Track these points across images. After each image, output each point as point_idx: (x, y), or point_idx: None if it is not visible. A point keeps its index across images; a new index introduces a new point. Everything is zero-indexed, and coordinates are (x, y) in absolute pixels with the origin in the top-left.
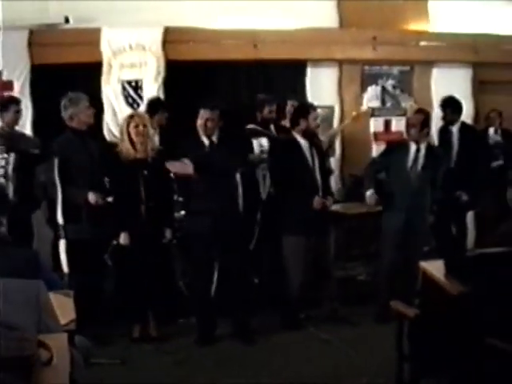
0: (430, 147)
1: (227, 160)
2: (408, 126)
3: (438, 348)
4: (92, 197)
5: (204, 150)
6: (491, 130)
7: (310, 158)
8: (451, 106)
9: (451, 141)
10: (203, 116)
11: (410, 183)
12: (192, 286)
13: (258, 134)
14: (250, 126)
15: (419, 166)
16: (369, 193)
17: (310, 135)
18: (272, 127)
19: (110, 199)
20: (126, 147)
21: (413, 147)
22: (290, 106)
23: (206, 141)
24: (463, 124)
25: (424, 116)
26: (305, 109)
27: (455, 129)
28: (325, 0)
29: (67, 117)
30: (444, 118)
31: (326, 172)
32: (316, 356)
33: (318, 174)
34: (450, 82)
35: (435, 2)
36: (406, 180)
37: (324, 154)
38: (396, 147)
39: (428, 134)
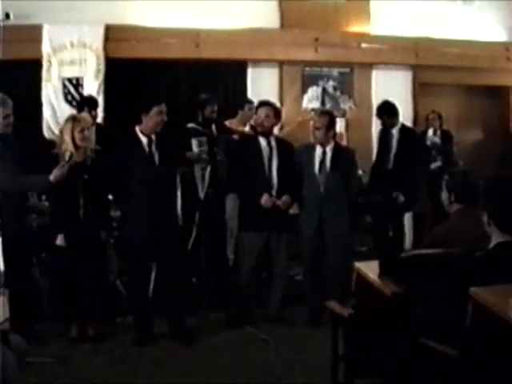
0: (338, 149)
1: (166, 159)
2: (313, 128)
3: (372, 348)
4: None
5: (143, 149)
6: (430, 132)
7: (266, 157)
8: (386, 111)
9: (391, 142)
10: (157, 111)
11: (319, 187)
12: (129, 285)
13: (198, 134)
14: (191, 125)
15: (327, 169)
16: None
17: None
18: (213, 127)
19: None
20: (69, 150)
21: (319, 150)
22: (247, 109)
23: (144, 139)
24: (403, 126)
25: (329, 118)
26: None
27: (395, 131)
28: (266, 0)
29: None
30: (383, 124)
31: (289, 171)
32: (254, 356)
33: (275, 173)
34: (390, 84)
35: (377, 3)
36: (315, 183)
37: (289, 153)
38: (303, 151)
39: (334, 136)
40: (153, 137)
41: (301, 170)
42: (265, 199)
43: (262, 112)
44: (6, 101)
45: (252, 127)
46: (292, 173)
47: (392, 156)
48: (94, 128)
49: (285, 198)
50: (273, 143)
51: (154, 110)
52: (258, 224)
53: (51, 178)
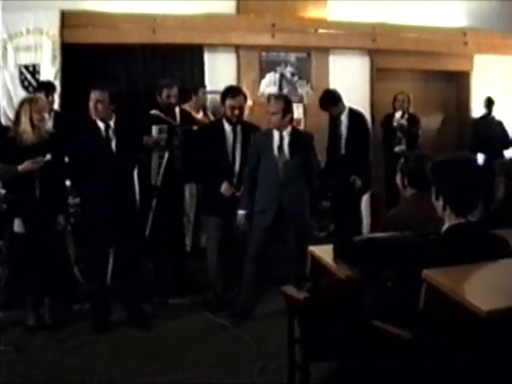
0: (296, 134)
1: (124, 145)
2: (269, 113)
3: (327, 331)
4: None
5: (100, 135)
6: (398, 114)
7: (231, 144)
8: (329, 101)
9: (340, 128)
10: (93, 97)
11: (278, 172)
12: (87, 272)
13: (159, 121)
14: (153, 112)
15: (286, 155)
16: (241, 212)
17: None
18: (177, 111)
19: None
20: (25, 132)
21: (276, 135)
22: (200, 93)
23: (101, 125)
24: (350, 111)
25: (285, 103)
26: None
27: (343, 117)
28: None
29: None
30: (330, 115)
31: None
32: (212, 341)
33: (238, 160)
34: (347, 69)
35: None
36: (274, 169)
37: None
38: (259, 136)
39: (291, 120)
40: (110, 123)
41: (258, 156)
42: (224, 188)
43: (237, 100)
44: None
45: (205, 113)
46: None
47: (343, 141)
48: (52, 114)
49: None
50: (238, 129)
51: (91, 96)
52: (219, 210)
53: (20, 168)
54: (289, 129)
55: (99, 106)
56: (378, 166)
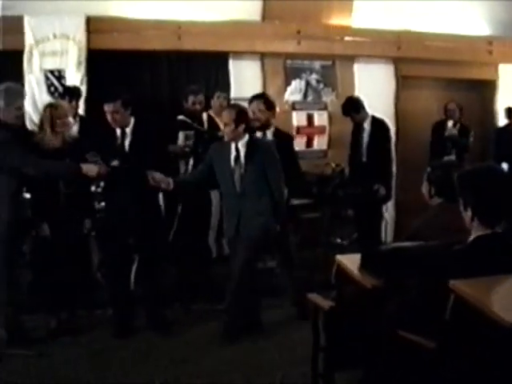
0: (253, 143)
1: (139, 149)
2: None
3: (352, 340)
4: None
5: (115, 140)
6: (450, 123)
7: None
8: (352, 108)
9: (362, 135)
10: (107, 110)
11: (235, 185)
12: (110, 277)
13: (187, 127)
14: (181, 118)
15: (242, 167)
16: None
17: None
18: (205, 118)
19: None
20: (47, 137)
21: (232, 147)
22: (215, 98)
23: (118, 131)
24: (373, 118)
25: (236, 112)
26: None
27: (366, 124)
28: None
29: None
30: (353, 121)
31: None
32: (233, 348)
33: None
34: (371, 77)
35: None
36: (231, 182)
37: (286, 144)
38: (215, 148)
39: (245, 130)
40: (126, 130)
41: (209, 165)
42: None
43: (254, 106)
44: (21, 92)
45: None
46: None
47: (364, 149)
48: (77, 119)
49: None
50: (267, 135)
51: (104, 109)
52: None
53: (84, 168)
54: (245, 139)
55: (115, 117)
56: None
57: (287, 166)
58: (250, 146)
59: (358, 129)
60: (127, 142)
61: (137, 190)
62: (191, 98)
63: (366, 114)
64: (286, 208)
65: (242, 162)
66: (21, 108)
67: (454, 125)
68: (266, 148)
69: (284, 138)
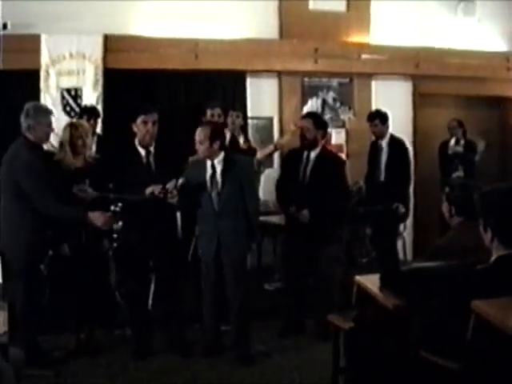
0: (229, 161)
1: (164, 171)
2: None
3: (373, 362)
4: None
5: (141, 161)
6: (452, 141)
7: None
8: (379, 116)
9: (380, 155)
10: (143, 120)
11: (213, 205)
12: (128, 297)
13: None
14: None
15: (218, 185)
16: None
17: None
18: (228, 136)
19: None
20: (68, 157)
21: (208, 164)
22: (229, 116)
23: (142, 151)
24: (392, 137)
25: (211, 129)
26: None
27: (384, 143)
28: (266, 11)
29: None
30: (374, 132)
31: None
32: (253, 368)
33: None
34: (389, 95)
35: (377, 14)
36: (209, 202)
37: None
38: (192, 167)
39: (221, 147)
40: (151, 149)
41: (191, 188)
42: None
43: (303, 123)
44: (49, 109)
45: (246, 139)
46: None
47: (383, 168)
48: (95, 138)
49: (303, 211)
50: (312, 155)
51: (138, 119)
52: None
53: (90, 216)
54: (221, 156)
55: (152, 130)
56: (427, 192)
57: (330, 186)
58: (226, 163)
59: (375, 148)
60: (152, 162)
61: (158, 209)
62: (209, 112)
63: (388, 130)
64: (333, 226)
65: (219, 179)
66: (51, 125)
67: (457, 142)
68: (243, 165)
69: (332, 160)
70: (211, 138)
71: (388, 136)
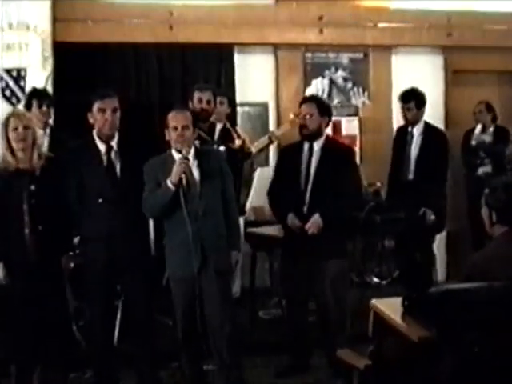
0: (201, 153)
1: (130, 171)
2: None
3: None
4: None
5: (100, 159)
6: (477, 129)
7: (305, 166)
8: (416, 98)
9: (410, 146)
10: (101, 107)
11: (193, 207)
12: (89, 330)
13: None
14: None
15: (197, 183)
16: None
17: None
18: (218, 127)
19: None
20: (4, 156)
21: (176, 158)
22: (218, 103)
23: (101, 147)
24: (426, 125)
25: (191, 112)
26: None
27: (416, 131)
28: None
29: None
30: (405, 117)
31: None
32: None
33: (311, 185)
34: (415, 73)
35: None
36: (186, 204)
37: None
38: (158, 163)
39: (196, 137)
40: (113, 143)
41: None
42: (290, 219)
43: (303, 110)
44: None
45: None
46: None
47: (412, 164)
48: (47, 131)
49: (314, 217)
50: (315, 148)
51: (94, 107)
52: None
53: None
54: (193, 149)
55: (112, 119)
56: (456, 194)
57: (341, 183)
58: (199, 156)
59: (404, 137)
60: (115, 160)
61: (124, 219)
62: (197, 95)
63: (423, 116)
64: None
65: (196, 176)
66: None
67: (484, 129)
68: (219, 157)
69: (340, 151)
70: (194, 124)
71: (422, 123)
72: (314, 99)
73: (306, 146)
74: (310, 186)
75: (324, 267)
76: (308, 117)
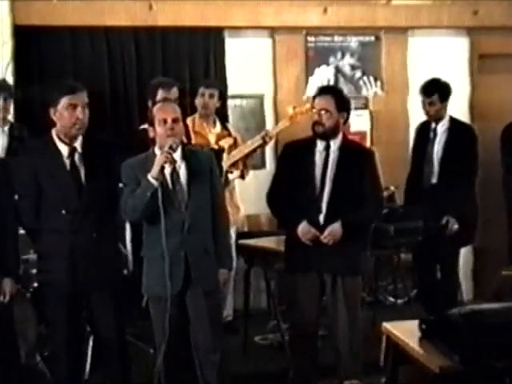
0: (191, 155)
1: (98, 177)
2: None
3: None
4: None
5: (62, 163)
6: None
7: (320, 167)
8: (440, 90)
9: (433, 144)
10: (69, 102)
11: (178, 216)
12: (55, 361)
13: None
14: (143, 128)
15: (184, 187)
16: None
17: None
18: (189, 122)
19: None
20: None
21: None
22: (206, 95)
23: (63, 149)
24: (452, 120)
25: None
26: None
27: (440, 127)
28: None
29: None
30: (428, 113)
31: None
32: None
33: (328, 189)
34: (435, 58)
35: None
36: (174, 210)
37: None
38: (137, 165)
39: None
40: (77, 145)
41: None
42: (302, 229)
43: (318, 104)
44: None
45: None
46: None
47: (436, 165)
48: (6, 129)
49: (335, 226)
50: (332, 147)
51: (61, 103)
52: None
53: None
54: (179, 149)
55: (81, 115)
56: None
57: (363, 189)
58: (186, 158)
59: (426, 134)
60: (80, 165)
61: (91, 233)
62: (160, 94)
63: (446, 112)
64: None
65: (183, 180)
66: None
67: None
68: (208, 159)
69: (359, 153)
70: (183, 118)
71: (447, 118)
72: (332, 91)
73: (321, 145)
74: (327, 192)
75: (337, 285)
76: (323, 112)
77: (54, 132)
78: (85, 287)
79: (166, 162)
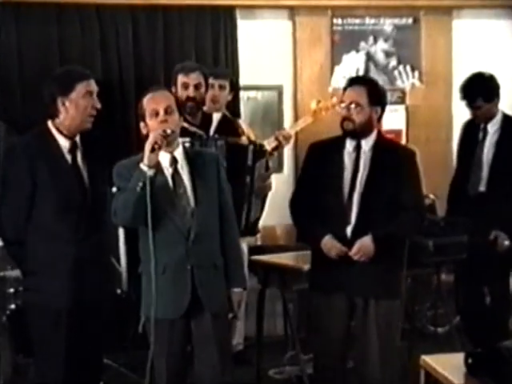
0: (194, 154)
1: (100, 175)
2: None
3: None
4: None
5: (63, 159)
6: None
7: (350, 170)
8: (480, 90)
9: (483, 147)
10: (82, 90)
11: (182, 224)
12: None
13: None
14: None
15: (189, 193)
16: None
17: None
18: (215, 117)
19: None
20: None
21: (165, 159)
22: (216, 87)
23: (64, 143)
24: (505, 118)
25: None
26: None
27: (491, 127)
28: None
29: None
30: (475, 116)
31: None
32: None
33: (357, 198)
34: (481, 42)
35: None
36: (177, 219)
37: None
38: (129, 168)
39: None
40: (77, 139)
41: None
42: (326, 243)
43: (347, 97)
44: None
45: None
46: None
47: (486, 170)
48: None
49: (365, 241)
50: (364, 147)
51: (78, 89)
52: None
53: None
54: (180, 148)
55: (97, 103)
56: None
57: (401, 196)
58: (188, 159)
59: (474, 134)
60: (80, 161)
61: (96, 242)
62: (181, 79)
63: (498, 109)
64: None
65: (187, 184)
66: None
67: None
68: (217, 162)
69: (397, 153)
70: (179, 110)
71: (499, 116)
72: (364, 82)
73: (351, 144)
74: (356, 200)
75: (370, 310)
76: (353, 106)
77: (51, 124)
78: (87, 305)
79: (157, 144)
